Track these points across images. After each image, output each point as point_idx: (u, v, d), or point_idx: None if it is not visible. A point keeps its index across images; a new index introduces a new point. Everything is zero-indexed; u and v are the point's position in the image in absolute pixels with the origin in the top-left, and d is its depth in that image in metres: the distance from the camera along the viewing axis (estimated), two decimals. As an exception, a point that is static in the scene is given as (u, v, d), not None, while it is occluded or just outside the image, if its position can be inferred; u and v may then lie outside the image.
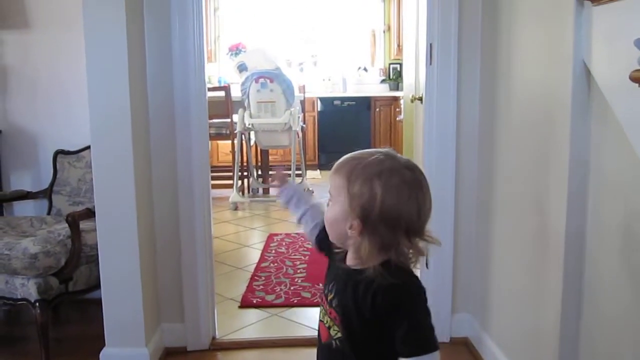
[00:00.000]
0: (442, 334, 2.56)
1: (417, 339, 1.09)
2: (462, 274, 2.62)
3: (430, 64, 2.49)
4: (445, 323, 2.60)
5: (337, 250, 1.22)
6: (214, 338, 2.64)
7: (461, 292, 2.62)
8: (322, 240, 1.31)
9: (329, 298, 1.19)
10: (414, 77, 3.73)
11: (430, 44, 2.48)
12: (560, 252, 1.76)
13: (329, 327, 1.18)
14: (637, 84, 1.35)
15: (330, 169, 1.19)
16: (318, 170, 7.13)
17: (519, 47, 2.12)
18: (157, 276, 2.52)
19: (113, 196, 2.25)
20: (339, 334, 1.16)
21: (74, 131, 3.02)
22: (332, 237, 1.19)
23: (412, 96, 3.46)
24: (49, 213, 2.99)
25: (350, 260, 1.18)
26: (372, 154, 1.15)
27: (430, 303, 1.14)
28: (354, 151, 1.20)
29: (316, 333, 1.26)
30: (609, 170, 1.60)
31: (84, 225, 2.51)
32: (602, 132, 1.63)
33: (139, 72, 2.33)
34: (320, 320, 1.23)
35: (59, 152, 3.03)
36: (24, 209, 3.14)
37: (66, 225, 2.47)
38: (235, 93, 5.64)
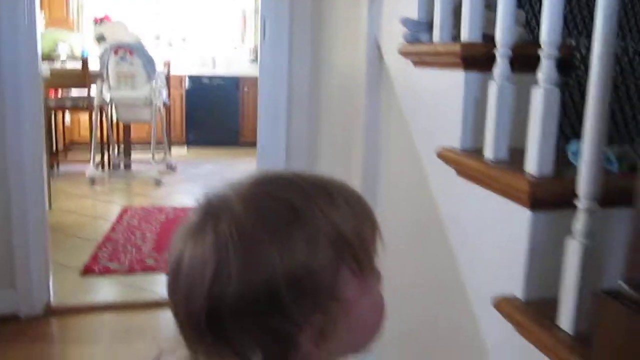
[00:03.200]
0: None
1: None
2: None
3: (264, 39, 2.62)
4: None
5: None
6: (49, 304, 2.64)
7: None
8: None
9: None
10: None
11: (264, 18, 2.61)
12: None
13: None
14: (405, 59, 1.57)
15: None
16: (185, 147, 7.10)
17: (336, 23, 2.31)
18: (-15, 242, 2.47)
19: None
20: None
21: None
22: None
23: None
24: None
25: None
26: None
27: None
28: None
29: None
30: (394, 144, 1.83)
31: None
32: (390, 107, 1.85)
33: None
34: None
35: None
36: None
37: None
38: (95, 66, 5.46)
